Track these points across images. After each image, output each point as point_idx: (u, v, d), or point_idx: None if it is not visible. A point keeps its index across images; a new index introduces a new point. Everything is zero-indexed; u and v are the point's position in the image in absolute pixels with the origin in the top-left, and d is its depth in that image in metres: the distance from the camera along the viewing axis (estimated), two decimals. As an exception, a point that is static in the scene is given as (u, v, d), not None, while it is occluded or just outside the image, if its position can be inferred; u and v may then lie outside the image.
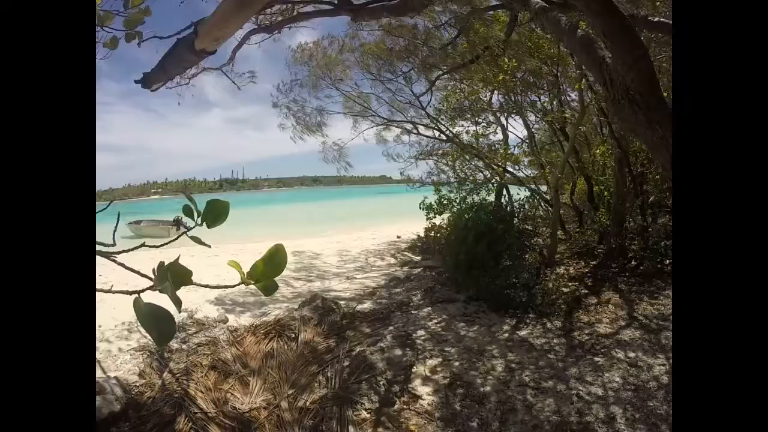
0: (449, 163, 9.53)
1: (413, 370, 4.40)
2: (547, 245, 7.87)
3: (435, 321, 5.54)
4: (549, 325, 5.44)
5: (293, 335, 5.18)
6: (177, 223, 21.15)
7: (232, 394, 4.08)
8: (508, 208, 8.27)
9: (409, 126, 9.95)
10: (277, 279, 1.86)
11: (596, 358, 4.47)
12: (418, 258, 10.18)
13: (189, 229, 2.31)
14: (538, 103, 8.87)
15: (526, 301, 5.71)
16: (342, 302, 6.79)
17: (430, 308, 6.00)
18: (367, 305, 6.50)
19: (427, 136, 9.72)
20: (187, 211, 1.38)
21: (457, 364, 4.47)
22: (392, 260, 10.44)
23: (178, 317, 5.26)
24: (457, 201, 9.60)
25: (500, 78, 5.87)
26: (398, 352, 4.68)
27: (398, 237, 14.39)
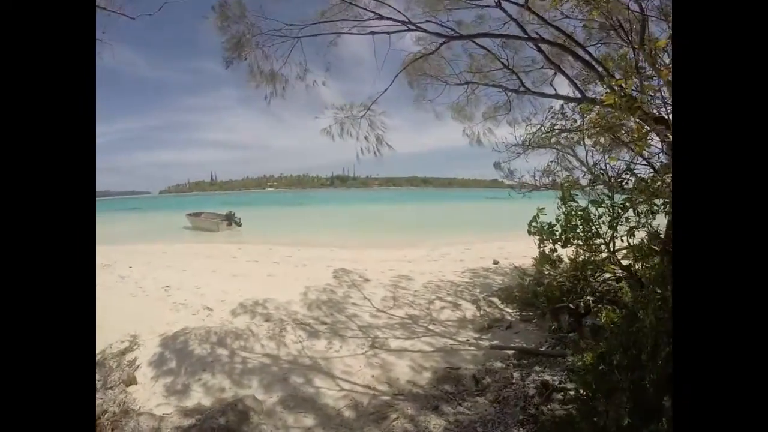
0: (596, 146, 4.94)
1: None
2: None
3: None
4: None
5: None
6: (228, 218, 20.51)
7: None
8: None
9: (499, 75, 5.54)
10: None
11: None
12: (514, 317, 5.87)
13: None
14: None
15: None
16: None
17: None
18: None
19: (542, 95, 5.26)
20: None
21: None
22: (470, 310, 6.26)
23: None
24: (605, 222, 4.99)
25: None
26: None
27: (495, 263, 9.98)
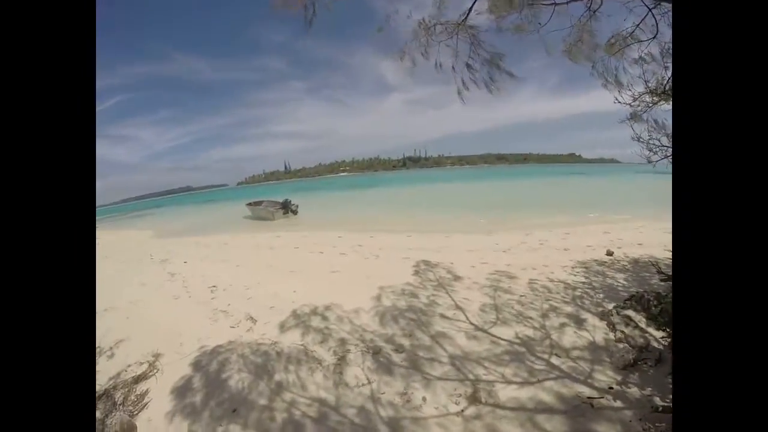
0: None
1: None
2: None
3: None
4: None
5: None
6: (284, 206, 20.16)
7: None
8: None
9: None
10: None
11: None
12: (661, 343, 4.09)
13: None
14: None
15: None
16: None
17: None
18: None
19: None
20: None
21: None
22: (599, 328, 4.56)
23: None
24: None
25: None
26: None
27: (609, 255, 8.01)
